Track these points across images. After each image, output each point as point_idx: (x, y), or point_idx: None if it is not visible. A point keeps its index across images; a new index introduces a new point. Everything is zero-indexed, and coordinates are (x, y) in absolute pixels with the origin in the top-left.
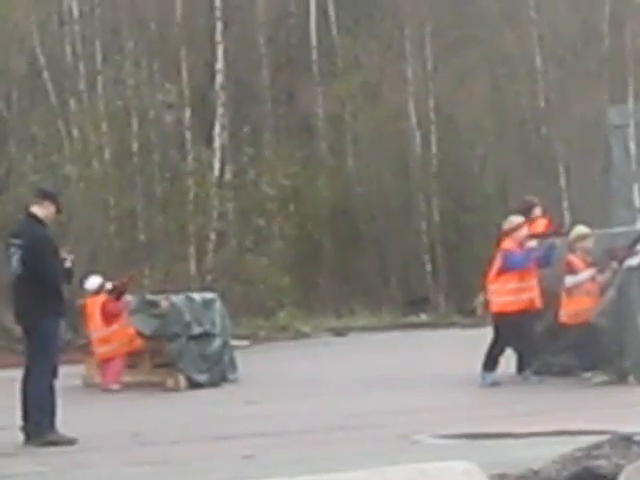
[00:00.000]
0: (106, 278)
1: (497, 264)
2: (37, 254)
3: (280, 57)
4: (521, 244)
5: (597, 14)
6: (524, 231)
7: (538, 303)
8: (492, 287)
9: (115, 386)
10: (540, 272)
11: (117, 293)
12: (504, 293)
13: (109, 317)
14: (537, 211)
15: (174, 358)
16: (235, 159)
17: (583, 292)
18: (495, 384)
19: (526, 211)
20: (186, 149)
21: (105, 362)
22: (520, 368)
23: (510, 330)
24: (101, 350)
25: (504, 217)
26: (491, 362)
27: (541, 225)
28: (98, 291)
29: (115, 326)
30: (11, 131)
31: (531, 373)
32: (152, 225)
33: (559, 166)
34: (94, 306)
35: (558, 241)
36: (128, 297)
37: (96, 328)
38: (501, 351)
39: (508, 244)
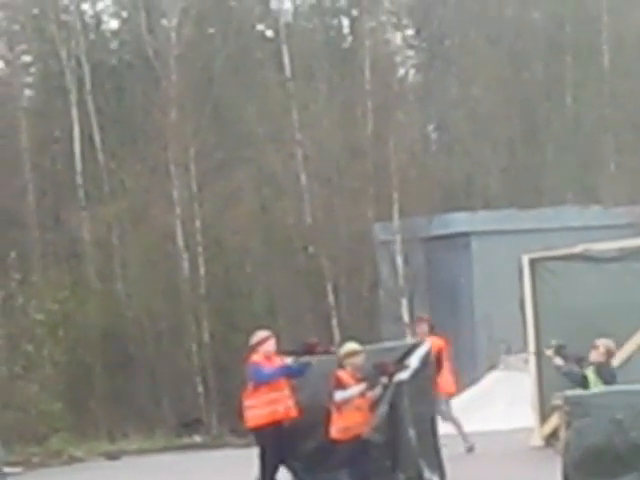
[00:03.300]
0: None
1: (249, 379)
2: None
3: (45, 183)
4: (268, 357)
5: (360, 132)
6: (271, 345)
7: (293, 412)
8: (248, 402)
9: None
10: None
11: None
12: (260, 406)
13: None
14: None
15: None
16: (3, 285)
17: (353, 407)
18: None
19: None
20: None
21: None
22: None
23: (273, 444)
24: None
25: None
26: None
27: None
28: None
29: None
30: None
31: None
32: None
33: (327, 283)
34: None
35: (314, 360)
36: None
37: None
38: (274, 469)
39: (256, 358)
